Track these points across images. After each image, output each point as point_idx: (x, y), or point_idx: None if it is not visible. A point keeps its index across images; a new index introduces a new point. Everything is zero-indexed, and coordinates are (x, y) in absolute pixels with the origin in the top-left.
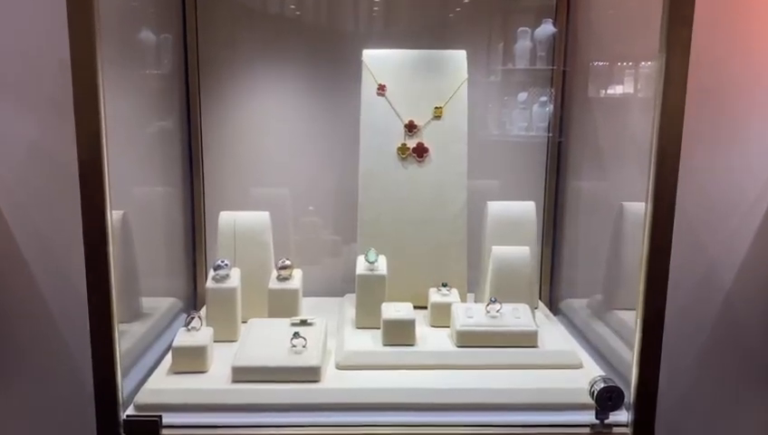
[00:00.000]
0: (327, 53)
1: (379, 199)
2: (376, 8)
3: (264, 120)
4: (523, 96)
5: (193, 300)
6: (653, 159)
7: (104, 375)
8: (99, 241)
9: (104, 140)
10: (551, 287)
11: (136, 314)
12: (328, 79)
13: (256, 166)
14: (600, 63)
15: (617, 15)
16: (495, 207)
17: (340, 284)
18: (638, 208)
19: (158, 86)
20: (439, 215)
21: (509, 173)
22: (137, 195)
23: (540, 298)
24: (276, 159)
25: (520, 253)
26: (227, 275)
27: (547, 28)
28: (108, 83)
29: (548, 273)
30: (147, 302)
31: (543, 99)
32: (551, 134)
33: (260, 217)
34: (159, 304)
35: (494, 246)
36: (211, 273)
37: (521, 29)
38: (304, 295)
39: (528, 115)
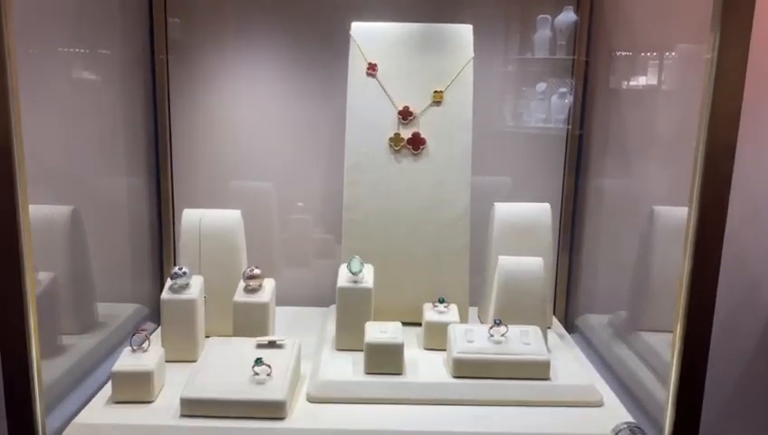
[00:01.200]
0: (311, 26)
1: (367, 198)
2: None
3: (241, 104)
4: (541, 86)
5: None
6: (700, 163)
7: (19, 417)
8: (7, 245)
9: (13, 126)
10: (567, 300)
11: (88, 324)
12: (313, 56)
13: (232, 157)
14: (628, 53)
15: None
16: (504, 210)
17: (329, 292)
18: (673, 214)
19: (119, 68)
20: (438, 217)
21: (522, 170)
22: (92, 189)
23: (554, 313)
24: (255, 150)
25: (531, 265)
26: (187, 285)
27: (568, 16)
28: (55, 66)
29: (564, 284)
30: (105, 309)
31: (563, 89)
32: (569, 126)
33: (230, 217)
34: (119, 312)
35: (500, 256)
36: (168, 282)
37: (540, 16)
38: (286, 304)
39: (546, 106)
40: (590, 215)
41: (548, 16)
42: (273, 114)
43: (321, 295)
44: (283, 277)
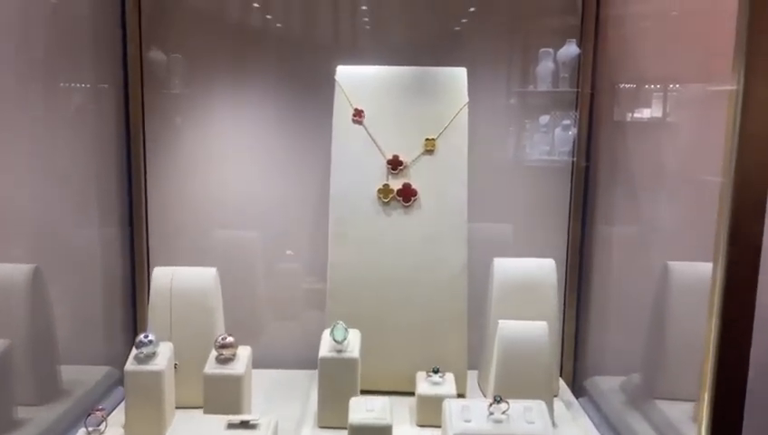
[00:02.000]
0: (298, 68)
1: (353, 256)
2: (365, 18)
3: (223, 148)
4: (544, 119)
5: None
6: (727, 211)
7: None
8: None
9: None
10: (575, 361)
11: (50, 393)
12: (299, 99)
13: (213, 205)
14: (633, 85)
15: (657, 31)
16: (505, 266)
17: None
18: (691, 270)
19: (89, 109)
20: (432, 277)
21: (524, 211)
22: (60, 243)
23: (560, 375)
24: (238, 197)
25: (535, 331)
26: (154, 354)
27: (571, 49)
28: (16, 105)
29: (571, 342)
30: (72, 373)
31: (567, 122)
32: (574, 158)
33: (204, 275)
34: (88, 376)
35: (501, 321)
36: (133, 351)
37: (543, 50)
38: (271, 366)
39: (549, 138)
40: (598, 267)
41: (550, 50)
42: (258, 159)
43: (312, 355)
44: (268, 335)
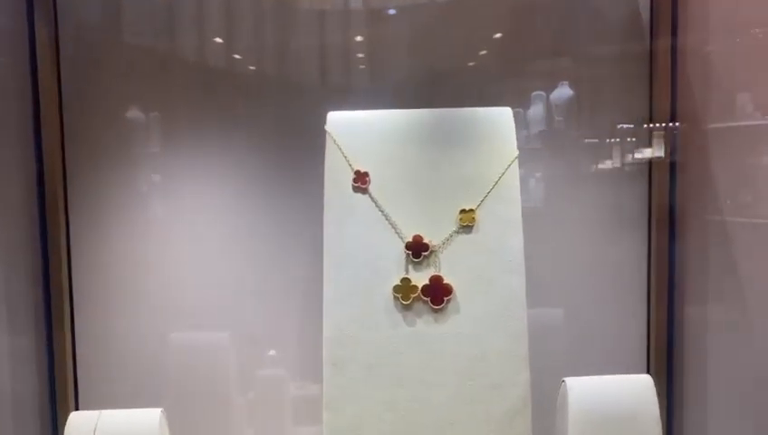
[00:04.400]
0: (274, 117)
1: (358, 389)
2: (360, 55)
3: (174, 226)
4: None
5: None
6: None
7: None
8: None
9: None
10: None
11: None
12: (277, 160)
13: (163, 299)
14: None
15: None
16: (582, 390)
17: None
18: None
19: None
20: (478, 416)
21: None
22: None
23: None
24: (203, 289)
25: None
26: None
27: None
28: None
29: None
30: None
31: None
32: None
33: (144, 422)
34: None
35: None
36: None
37: (535, 94)
38: None
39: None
40: (695, 382)
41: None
42: (222, 237)
43: None
44: None
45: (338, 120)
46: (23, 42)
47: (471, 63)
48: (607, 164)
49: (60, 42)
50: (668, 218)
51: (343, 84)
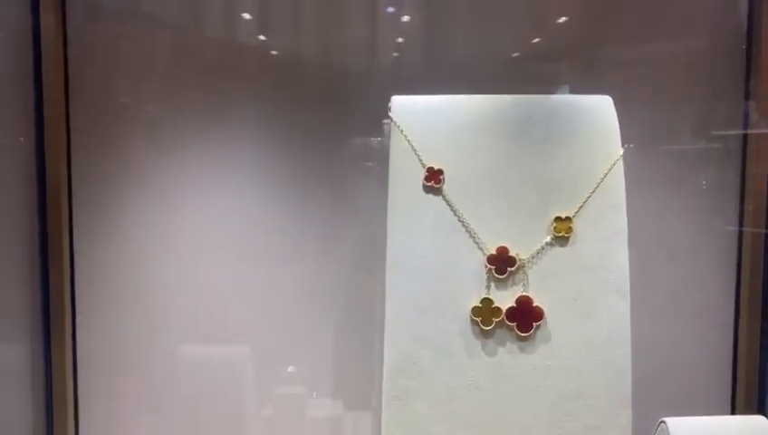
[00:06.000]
0: (307, 108)
1: (425, 426)
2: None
3: (186, 233)
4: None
5: None
6: None
7: None
8: None
9: None
10: None
11: None
12: (313, 157)
13: (176, 312)
14: None
15: None
16: (685, 432)
17: None
18: None
19: None
20: None
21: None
22: None
23: None
24: (214, 299)
25: None
26: None
27: None
28: None
29: None
30: None
31: None
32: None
33: None
34: None
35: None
36: None
37: None
38: None
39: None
40: None
41: None
42: (243, 246)
43: None
44: None
45: (405, 106)
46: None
47: (535, 43)
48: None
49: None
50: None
51: (395, 67)
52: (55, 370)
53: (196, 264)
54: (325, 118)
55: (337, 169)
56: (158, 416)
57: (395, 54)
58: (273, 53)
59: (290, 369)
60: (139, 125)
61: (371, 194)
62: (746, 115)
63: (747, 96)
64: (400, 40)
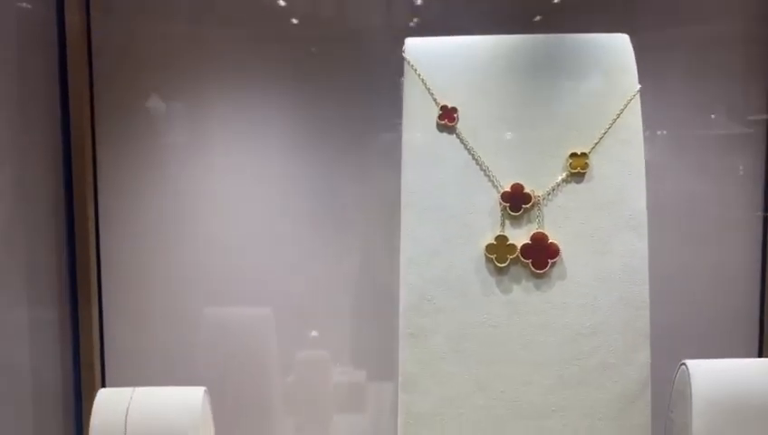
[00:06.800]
0: (324, 55)
1: (442, 367)
2: None
3: (210, 190)
4: None
5: None
6: None
7: None
8: None
9: None
10: None
11: None
12: (331, 107)
13: (198, 272)
14: None
15: None
16: (710, 374)
17: None
18: None
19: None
20: (591, 401)
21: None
22: None
23: None
24: (242, 259)
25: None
26: None
27: None
28: None
29: None
30: None
31: None
32: None
33: (187, 401)
34: None
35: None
36: None
37: None
38: None
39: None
40: None
41: None
42: (263, 200)
43: None
44: None
45: (418, 47)
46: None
47: None
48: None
49: None
50: None
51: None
52: (82, 332)
53: (223, 224)
54: (351, 79)
55: (361, 129)
56: (182, 375)
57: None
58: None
59: (313, 333)
60: (164, 79)
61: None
62: None
63: None
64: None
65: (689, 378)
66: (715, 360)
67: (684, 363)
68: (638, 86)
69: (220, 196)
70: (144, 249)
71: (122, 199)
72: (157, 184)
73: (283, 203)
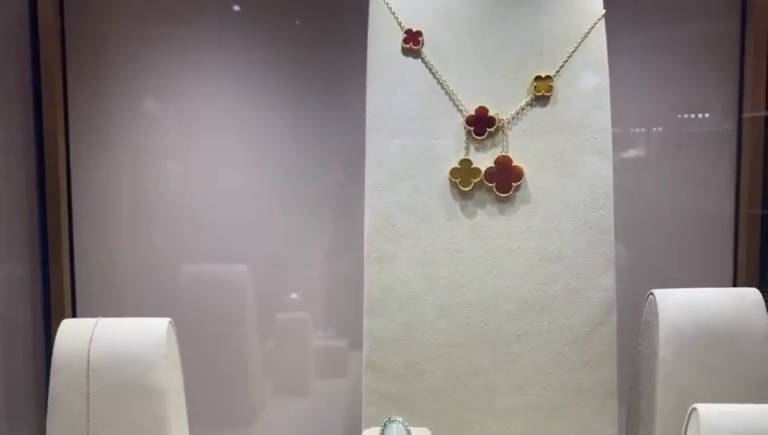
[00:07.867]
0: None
1: (408, 289)
2: None
3: (184, 136)
4: None
5: None
6: None
7: None
8: None
9: None
10: None
11: None
12: (299, 47)
13: (174, 225)
14: None
15: None
16: (675, 303)
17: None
18: None
19: None
20: (554, 324)
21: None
22: None
23: None
24: (216, 213)
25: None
26: None
27: None
28: None
29: None
30: None
31: None
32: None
33: (151, 332)
34: None
35: (700, 406)
36: None
37: None
38: None
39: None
40: None
41: None
42: (237, 149)
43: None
44: (268, 416)
45: None
46: None
47: None
48: None
49: None
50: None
51: None
52: (53, 286)
53: (198, 170)
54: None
55: (337, 79)
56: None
57: None
58: None
59: (293, 295)
60: (136, 24)
61: None
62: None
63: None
64: None
65: (656, 307)
66: (682, 289)
67: (651, 293)
68: (603, 10)
69: (192, 151)
70: (117, 203)
71: (94, 145)
72: (129, 139)
73: (258, 147)
